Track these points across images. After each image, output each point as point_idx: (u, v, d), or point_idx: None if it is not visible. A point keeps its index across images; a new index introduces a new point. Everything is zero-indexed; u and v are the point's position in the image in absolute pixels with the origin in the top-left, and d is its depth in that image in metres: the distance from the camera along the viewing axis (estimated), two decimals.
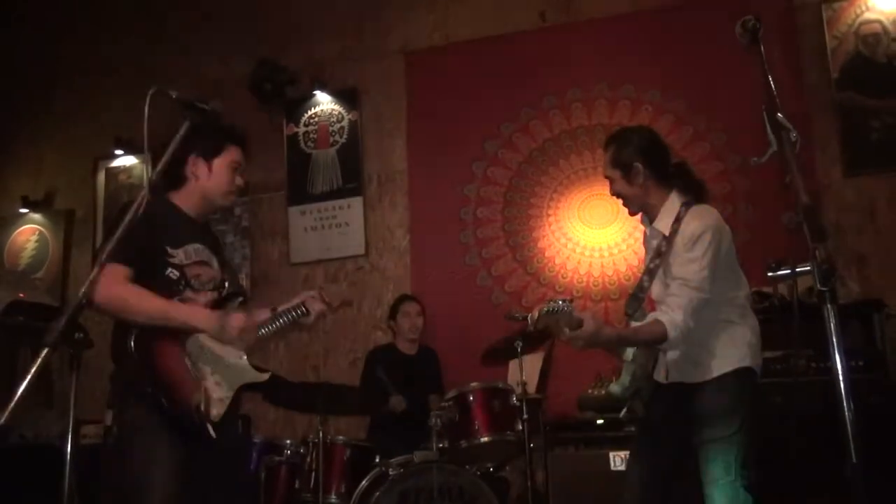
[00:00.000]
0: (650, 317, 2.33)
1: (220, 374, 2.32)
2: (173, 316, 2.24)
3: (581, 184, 4.63)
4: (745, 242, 4.07)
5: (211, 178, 2.42)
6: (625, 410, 2.49)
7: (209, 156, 2.42)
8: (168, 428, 2.16)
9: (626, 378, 2.42)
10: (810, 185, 4.06)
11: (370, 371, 4.11)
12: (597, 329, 2.18)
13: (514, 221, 4.74)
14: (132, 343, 2.16)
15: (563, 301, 2.13)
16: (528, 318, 2.21)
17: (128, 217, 1.74)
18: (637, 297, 2.46)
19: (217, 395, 2.29)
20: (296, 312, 2.60)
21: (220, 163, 2.43)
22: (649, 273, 2.45)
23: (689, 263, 2.31)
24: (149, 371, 2.17)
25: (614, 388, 2.41)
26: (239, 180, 2.48)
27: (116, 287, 2.16)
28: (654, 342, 2.31)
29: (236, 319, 2.35)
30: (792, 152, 1.37)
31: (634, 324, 2.42)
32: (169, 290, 2.27)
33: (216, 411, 2.27)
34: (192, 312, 2.28)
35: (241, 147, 2.50)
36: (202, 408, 2.23)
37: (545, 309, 2.11)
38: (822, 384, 1.24)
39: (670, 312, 2.26)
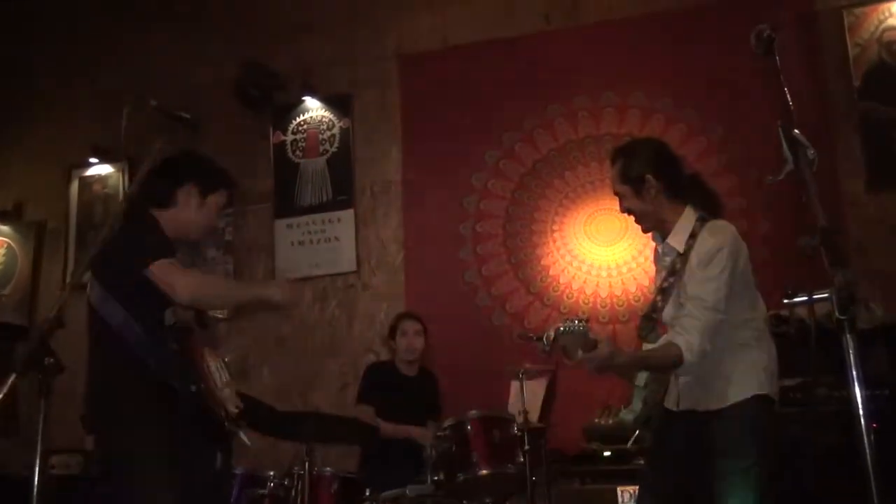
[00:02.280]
0: (664, 339, 2.34)
1: (229, 387, 2.45)
2: (254, 290, 2.59)
3: (588, 197, 4.65)
4: (761, 261, 4.05)
5: (200, 211, 2.56)
6: (633, 440, 2.49)
7: (207, 191, 2.57)
8: (199, 434, 2.27)
9: (637, 404, 2.43)
10: (831, 200, 4.07)
11: (368, 388, 4.10)
12: (611, 352, 2.20)
13: (517, 237, 4.75)
14: (174, 341, 2.29)
15: (580, 321, 2.16)
16: (544, 337, 2.23)
17: (111, 219, 1.80)
18: (650, 319, 2.48)
19: (230, 405, 2.41)
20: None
21: (213, 200, 2.60)
22: (663, 293, 2.46)
23: (706, 282, 2.32)
24: (193, 373, 2.29)
25: (626, 415, 2.42)
26: (218, 221, 2.70)
27: (190, 278, 2.33)
28: (669, 367, 2.33)
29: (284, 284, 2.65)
30: (809, 171, 1.39)
31: (648, 346, 2.43)
32: (166, 299, 2.32)
33: (241, 421, 2.42)
34: (262, 285, 2.48)
35: (231, 190, 2.72)
36: (230, 414, 2.35)
37: (562, 328, 2.15)
38: (843, 415, 1.24)
39: (686, 335, 2.27)
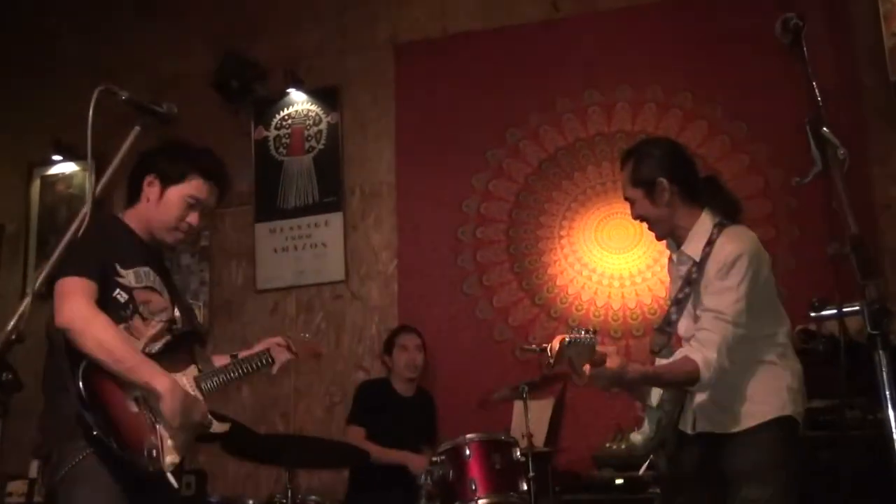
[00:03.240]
0: (679, 353, 2.36)
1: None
2: (142, 368, 2.25)
3: (599, 200, 4.67)
4: (788, 272, 4.11)
5: (159, 206, 2.44)
6: (645, 466, 2.51)
7: (166, 181, 2.44)
8: (116, 477, 2.17)
9: (649, 427, 2.44)
10: (865, 204, 4.10)
11: (361, 408, 4.10)
12: (622, 367, 2.22)
13: (521, 243, 4.76)
14: (80, 374, 2.17)
15: (587, 332, 2.17)
16: (547, 349, 2.24)
17: (74, 226, 1.77)
18: (664, 332, 2.50)
19: (172, 441, 2.31)
20: (259, 362, 2.67)
21: (176, 193, 2.45)
22: (678, 304, 2.48)
23: (724, 293, 2.34)
24: (97, 409, 2.18)
25: (636, 437, 2.43)
26: (195, 220, 2.48)
27: (88, 306, 2.18)
28: (684, 383, 2.34)
29: (200, 407, 2.37)
30: (839, 172, 1.40)
31: (662, 361, 2.44)
32: (116, 314, 2.29)
33: (170, 459, 2.29)
34: (163, 376, 2.28)
35: (212, 183, 2.50)
36: (154, 454, 2.25)
37: (567, 340, 2.16)
38: (877, 439, 1.25)
39: (703, 350, 2.29)
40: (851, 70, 4.34)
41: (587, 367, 2.22)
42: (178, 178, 2.44)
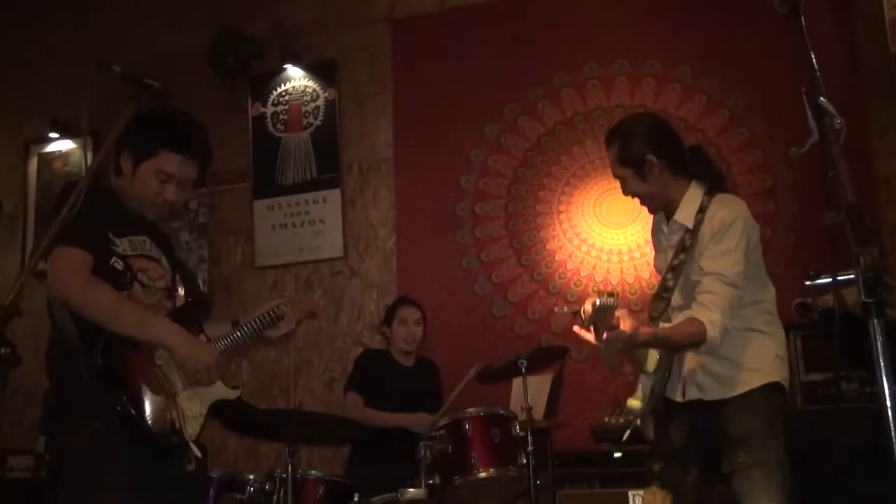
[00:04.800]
0: (684, 315, 2.40)
1: (191, 388, 2.39)
2: (152, 324, 2.28)
3: (598, 175, 4.66)
4: (788, 246, 4.11)
5: (134, 181, 2.40)
6: (628, 432, 2.55)
7: (138, 157, 2.38)
8: (125, 452, 2.19)
9: (644, 393, 2.46)
10: (866, 178, 4.09)
11: (360, 376, 4.12)
12: (634, 329, 2.26)
13: (520, 219, 4.76)
14: (99, 349, 2.18)
15: (610, 295, 2.22)
16: (580, 312, 2.31)
17: (73, 197, 1.76)
18: (662, 299, 2.53)
19: (191, 411, 2.36)
20: (264, 317, 2.63)
21: (146, 168, 2.39)
22: (673, 270, 2.52)
23: (723, 256, 2.38)
24: (120, 382, 2.21)
25: (634, 403, 2.44)
26: (171, 195, 2.41)
27: (84, 275, 2.18)
28: (691, 344, 2.38)
29: (211, 351, 2.40)
30: (836, 141, 1.40)
31: (665, 325, 2.46)
32: (115, 282, 2.29)
33: (192, 430, 2.34)
34: (173, 328, 2.31)
35: (185, 156, 2.42)
36: (177, 425, 2.30)
37: (598, 303, 2.20)
38: (875, 412, 1.26)
39: (706, 311, 2.33)
40: (851, 42, 4.32)
41: (605, 335, 2.26)
42: (148, 154, 2.37)
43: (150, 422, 2.22)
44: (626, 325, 2.26)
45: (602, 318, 2.23)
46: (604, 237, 4.61)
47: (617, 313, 2.24)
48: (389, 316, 4.28)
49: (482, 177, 4.85)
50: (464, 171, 4.87)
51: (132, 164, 2.39)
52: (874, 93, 4.30)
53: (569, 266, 4.63)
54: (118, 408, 2.18)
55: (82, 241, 2.18)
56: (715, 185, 2.55)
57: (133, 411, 2.19)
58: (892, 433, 1.23)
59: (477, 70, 4.90)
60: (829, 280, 1.26)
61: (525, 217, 4.75)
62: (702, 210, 2.48)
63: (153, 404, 2.25)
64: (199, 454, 2.34)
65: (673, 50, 4.63)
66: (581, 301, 4.54)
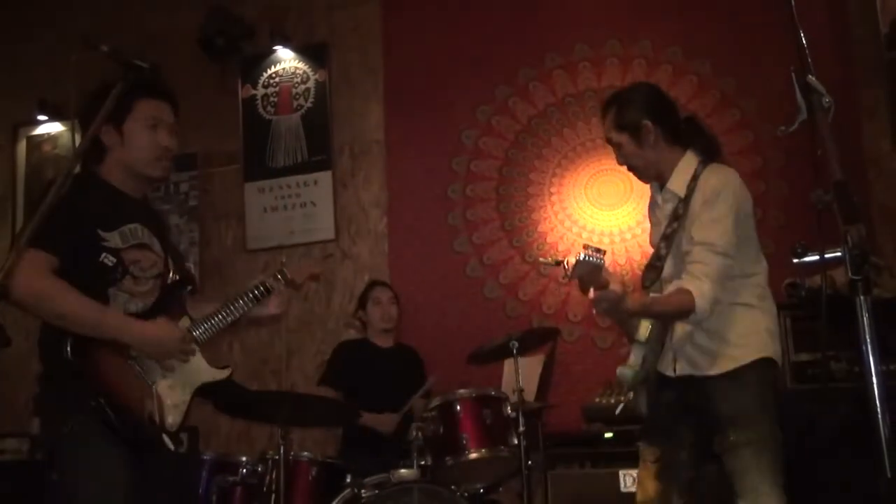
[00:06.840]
0: (674, 285, 2.40)
1: (172, 375, 2.36)
2: (107, 325, 2.24)
3: (589, 157, 4.66)
4: (778, 226, 4.13)
5: (125, 146, 2.36)
6: (621, 406, 2.55)
7: (117, 121, 2.33)
8: (114, 440, 2.18)
9: (635, 361, 2.45)
10: (855, 159, 4.10)
11: (336, 369, 4.13)
12: (623, 293, 2.27)
13: (511, 201, 4.76)
14: (69, 346, 2.17)
15: (598, 251, 2.22)
16: (564, 262, 2.30)
17: (51, 195, 1.74)
18: (654, 268, 2.54)
19: (171, 400, 2.33)
20: (254, 292, 2.57)
21: (132, 124, 2.35)
22: (666, 239, 2.52)
23: (713, 225, 2.38)
24: (92, 378, 2.20)
25: (625, 371, 2.41)
26: (165, 140, 2.39)
27: (40, 280, 2.16)
28: (680, 314, 2.38)
29: (179, 335, 2.35)
30: (825, 120, 1.40)
31: (656, 295, 2.47)
32: (104, 278, 2.29)
33: (172, 419, 2.32)
34: (127, 325, 2.28)
35: (160, 98, 2.40)
36: (155, 417, 2.28)
37: (582, 256, 2.20)
38: (862, 392, 1.27)
39: (696, 281, 2.32)
40: (842, 22, 4.32)
41: (592, 292, 2.26)
42: (126, 111, 2.33)
43: (120, 416, 2.19)
44: (616, 287, 2.27)
45: (587, 272, 2.24)
46: (595, 219, 4.61)
47: (608, 276, 2.25)
48: (363, 300, 4.29)
49: (474, 159, 4.84)
50: (455, 153, 4.86)
51: (117, 131, 2.35)
52: (865, 73, 4.30)
53: (560, 248, 4.63)
54: (92, 402, 2.16)
55: (46, 244, 2.14)
56: (709, 154, 2.55)
57: (107, 409, 2.17)
58: (878, 410, 1.24)
59: (468, 52, 4.88)
60: (817, 257, 1.27)
61: (516, 199, 4.75)
62: (694, 178, 2.48)
63: (127, 398, 2.23)
64: (171, 447, 2.29)
65: (664, 31, 4.62)
66: (573, 282, 4.59)
